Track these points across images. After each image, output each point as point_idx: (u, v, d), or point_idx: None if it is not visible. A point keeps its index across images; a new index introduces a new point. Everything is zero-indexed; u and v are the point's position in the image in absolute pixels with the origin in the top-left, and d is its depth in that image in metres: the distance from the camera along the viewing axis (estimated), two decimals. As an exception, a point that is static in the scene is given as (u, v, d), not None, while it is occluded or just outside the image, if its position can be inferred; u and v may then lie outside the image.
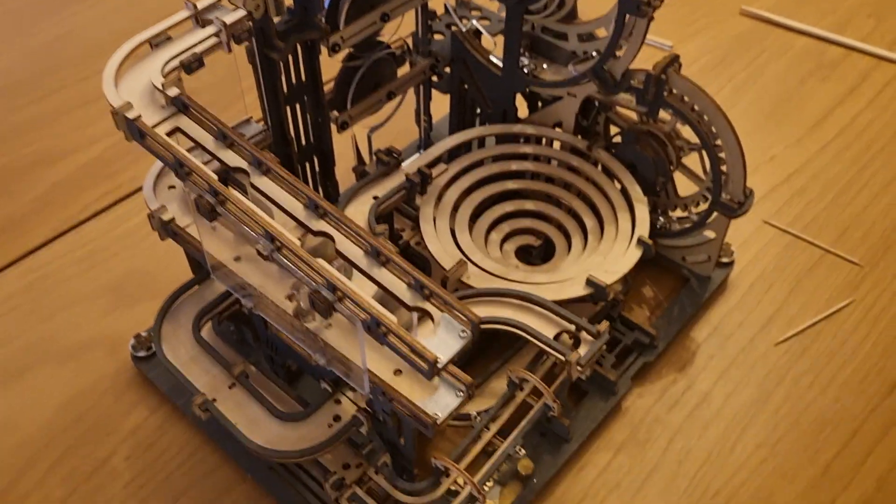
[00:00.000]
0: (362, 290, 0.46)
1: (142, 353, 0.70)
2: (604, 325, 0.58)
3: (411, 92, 0.80)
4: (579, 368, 0.56)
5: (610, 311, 0.71)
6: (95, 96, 0.64)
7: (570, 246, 0.70)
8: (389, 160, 0.68)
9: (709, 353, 0.73)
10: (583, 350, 0.57)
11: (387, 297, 0.49)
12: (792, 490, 0.65)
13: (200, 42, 0.57)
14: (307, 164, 0.74)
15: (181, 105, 0.54)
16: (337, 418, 0.56)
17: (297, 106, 0.70)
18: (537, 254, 0.72)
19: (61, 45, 1.04)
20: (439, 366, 0.43)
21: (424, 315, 0.46)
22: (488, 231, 0.71)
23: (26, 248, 0.82)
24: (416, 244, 0.69)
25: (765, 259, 0.80)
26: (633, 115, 0.72)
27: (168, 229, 0.59)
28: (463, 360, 0.68)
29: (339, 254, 0.49)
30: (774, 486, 0.65)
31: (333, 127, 0.72)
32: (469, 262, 0.65)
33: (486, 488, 0.63)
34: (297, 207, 0.50)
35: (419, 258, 0.69)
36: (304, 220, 0.50)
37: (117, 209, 0.85)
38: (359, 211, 0.65)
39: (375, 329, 0.45)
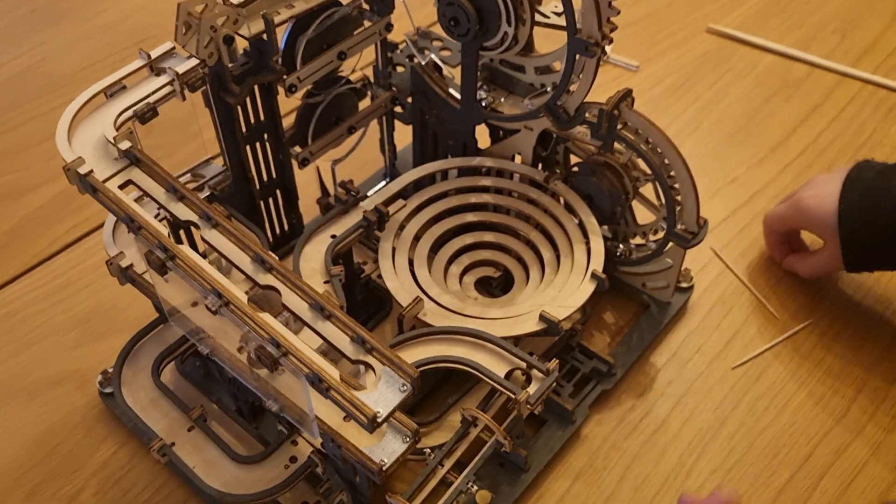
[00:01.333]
0: (306, 344, 0.47)
1: (108, 390, 0.71)
2: (553, 364, 0.59)
3: (375, 122, 0.81)
4: (529, 406, 0.57)
5: (568, 340, 0.72)
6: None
7: (528, 278, 0.71)
8: (348, 198, 0.69)
9: (667, 378, 0.75)
10: (533, 388, 0.58)
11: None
12: (746, 515, 0.67)
13: (154, 92, 0.59)
14: (270, 200, 0.76)
15: (133, 158, 0.55)
16: (293, 459, 0.57)
17: (258, 144, 0.71)
18: (497, 285, 0.74)
19: (28, 76, 1.05)
20: (379, 420, 0.45)
21: (368, 368, 0.48)
22: (448, 263, 0.72)
23: (-2, 283, 0.83)
24: (378, 277, 0.70)
25: (723, 283, 0.82)
26: (591, 147, 0.74)
27: (126, 275, 0.60)
28: (417, 397, 0.70)
29: (286, 307, 0.50)
30: (729, 511, 0.67)
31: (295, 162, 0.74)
32: (427, 298, 0.67)
33: (444, 520, 0.64)
34: (244, 261, 0.51)
35: (382, 290, 0.71)
36: (252, 275, 0.51)
37: (86, 242, 0.86)
38: (316, 250, 0.66)
39: (318, 384, 0.46)
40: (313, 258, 0.65)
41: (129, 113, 0.58)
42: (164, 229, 0.51)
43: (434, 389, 0.70)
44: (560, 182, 0.73)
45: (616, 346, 0.75)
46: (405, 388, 0.46)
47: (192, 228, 0.53)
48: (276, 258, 0.51)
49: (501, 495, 0.66)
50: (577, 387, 0.72)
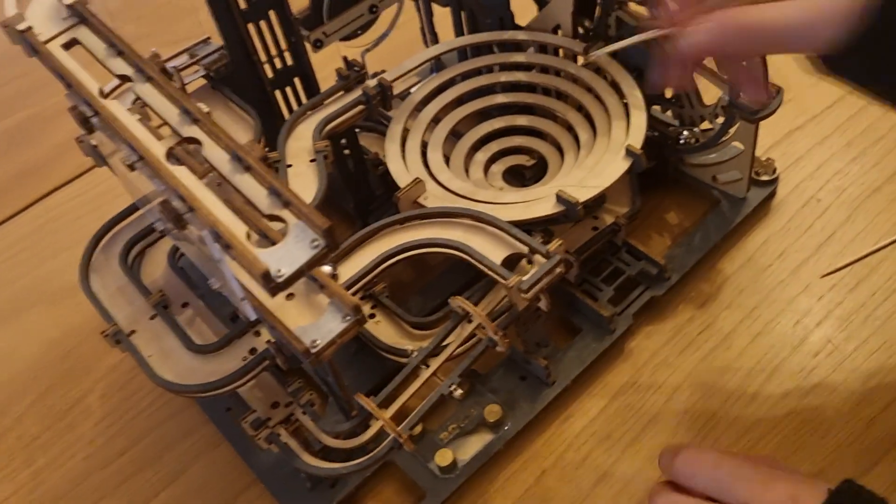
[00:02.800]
0: (219, 200, 0.40)
1: (120, 291, 0.68)
2: (555, 245, 0.49)
3: (412, 5, 0.73)
4: (523, 294, 0.48)
5: (612, 237, 0.61)
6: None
7: (563, 164, 0.61)
8: (350, 74, 0.61)
9: (738, 286, 0.62)
10: (527, 274, 0.48)
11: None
12: (823, 447, 0.54)
13: (115, -52, 0.53)
14: (288, 91, 0.69)
15: (79, 16, 0.50)
16: (253, 351, 0.51)
17: (263, 24, 0.64)
18: (531, 175, 0.63)
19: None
20: (277, 279, 0.37)
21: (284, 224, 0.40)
22: (473, 150, 0.63)
23: (42, 192, 0.82)
24: (389, 163, 0.62)
25: (821, 177, 0.67)
26: (644, 11, 0.62)
27: (97, 153, 0.56)
28: (438, 299, 0.61)
29: (207, 162, 0.43)
30: (802, 441, 0.54)
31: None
32: (434, 182, 0.58)
33: (446, 435, 0.56)
34: (172, 114, 0.45)
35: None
36: (177, 127, 0.44)
37: (126, 149, 0.83)
38: (309, 129, 0.59)
39: (219, 241, 0.39)
40: (304, 137, 0.58)
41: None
42: (94, 86, 0.46)
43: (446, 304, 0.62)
44: (605, 54, 0.62)
45: (672, 247, 0.63)
46: (316, 243, 0.38)
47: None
48: (204, 110, 0.44)
49: (518, 412, 0.57)
50: (620, 292, 0.61)
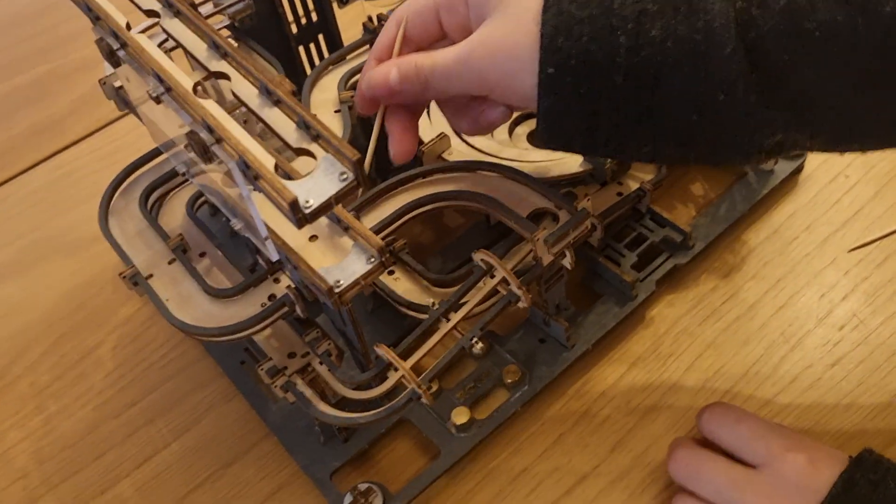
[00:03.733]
0: (245, 132, 0.39)
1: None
2: (584, 201, 0.48)
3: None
4: (547, 248, 0.47)
5: (636, 203, 0.60)
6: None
7: (589, 128, 0.60)
8: (377, 27, 0.60)
9: (763, 258, 0.61)
10: (552, 228, 0.47)
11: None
12: (846, 420, 0.53)
13: None
14: (312, 47, 0.68)
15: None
16: (272, 298, 0.50)
17: (290, -24, 0.64)
18: (555, 139, 0.63)
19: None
20: (306, 209, 0.36)
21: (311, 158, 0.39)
22: (498, 112, 0.62)
23: (59, 147, 0.81)
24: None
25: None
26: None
27: (121, 97, 0.55)
28: (458, 260, 0.61)
29: (235, 95, 0.42)
30: (824, 413, 0.53)
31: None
32: (458, 138, 0.57)
33: (462, 394, 0.55)
34: (201, 49, 0.44)
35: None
36: (205, 62, 0.44)
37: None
38: (333, 81, 0.58)
39: (247, 172, 0.38)
40: (329, 89, 0.57)
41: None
42: (122, 20, 0.45)
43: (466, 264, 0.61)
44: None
45: (697, 217, 0.62)
46: (345, 176, 0.37)
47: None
48: (234, 44, 0.44)
49: (537, 374, 0.56)
50: (643, 259, 0.60)
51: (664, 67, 0.40)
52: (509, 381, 0.55)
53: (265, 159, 0.38)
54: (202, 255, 0.56)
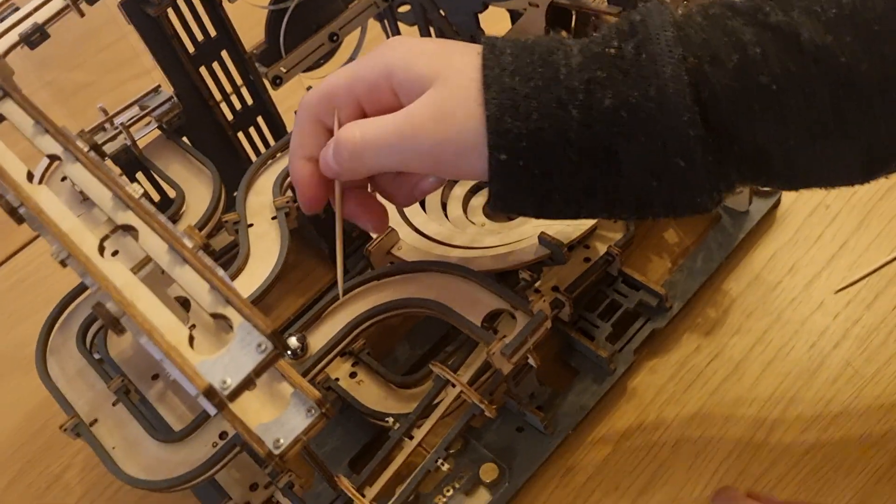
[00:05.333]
0: (156, 297, 0.36)
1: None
2: (539, 304, 0.45)
3: (378, 27, 0.68)
4: (506, 358, 0.44)
5: (606, 268, 0.57)
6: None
7: (547, 193, 0.57)
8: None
9: (746, 309, 0.58)
10: (510, 335, 0.44)
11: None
12: (850, 484, 0.49)
13: (40, 6, 0.49)
14: (252, 131, 0.65)
15: (2, 90, 0.46)
16: (223, 435, 0.47)
17: (216, 65, 0.60)
18: (514, 206, 0.59)
19: None
20: (224, 391, 0.33)
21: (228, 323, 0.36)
22: (451, 185, 0.59)
23: (9, 252, 0.78)
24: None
25: (828, 180, 0.62)
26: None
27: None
28: (426, 345, 0.58)
29: (142, 251, 0.39)
30: (826, 478, 0.50)
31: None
32: (408, 227, 0.54)
33: (441, 499, 0.52)
34: (105, 198, 0.41)
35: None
36: (111, 213, 0.40)
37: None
38: (270, 181, 0.54)
39: (153, 347, 0.35)
40: (265, 191, 0.54)
41: (14, 37, 0.49)
42: (22, 170, 0.42)
43: (435, 349, 0.57)
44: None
45: (674, 272, 0.59)
46: (264, 347, 0.34)
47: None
48: (137, 193, 0.40)
49: (517, 468, 0.53)
50: (618, 327, 0.56)
51: (619, 139, 0.37)
52: (488, 480, 0.52)
53: (176, 334, 0.35)
54: (155, 377, 0.53)
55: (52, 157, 0.44)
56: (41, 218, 0.39)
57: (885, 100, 0.36)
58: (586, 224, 0.51)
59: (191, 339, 0.35)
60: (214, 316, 0.36)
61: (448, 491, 0.53)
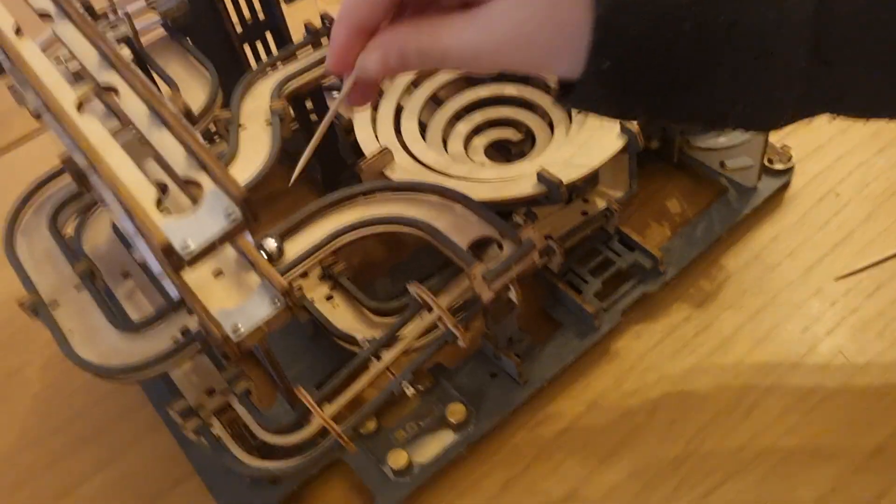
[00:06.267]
0: (128, 156, 0.35)
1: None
2: (529, 232, 0.43)
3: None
4: (486, 283, 0.42)
5: (604, 224, 0.55)
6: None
7: (553, 140, 0.55)
8: (321, 30, 0.55)
9: (742, 286, 0.56)
10: (493, 261, 0.42)
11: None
12: (824, 473, 0.47)
13: None
14: (258, 45, 0.63)
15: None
16: (185, 332, 0.45)
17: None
18: (517, 151, 0.57)
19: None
20: (183, 253, 0.31)
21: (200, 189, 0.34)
22: (455, 120, 0.57)
23: None
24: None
25: (842, 169, 0.61)
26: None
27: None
28: (408, 281, 0.56)
29: (123, 113, 0.37)
30: (801, 464, 0.48)
31: (285, -2, 0.61)
32: (405, 153, 0.52)
33: (403, 434, 0.50)
34: (92, 58, 0.39)
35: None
36: (95, 73, 0.39)
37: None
38: (268, 87, 0.53)
39: (120, 203, 0.33)
40: (263, 96, 0.52)
41: None
42: (9, 22, 0.41)
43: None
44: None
45: (672, 239, 0.57)
46: (233, 215, 0.32)
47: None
48: (124, 55, 0.39)
49: (485, 413, 0.51)
50: (609, 285, 0.54)
51: (725, 57, 0.35)
52: (454, 420, 0.50)
53: (144, 193, 0.33)
54: (126, 275, 0.51)
55: (43, 15, 0.42)
56: (24, 68, 0.38)
57: None
58: (588, 167, 0.49)
59: (158, 202, 0.33)
60: (187, 182, 0.34)
61: (412, 427, 0.51)
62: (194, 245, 0.32)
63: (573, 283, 0.54)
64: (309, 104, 0.58)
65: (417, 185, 0.47)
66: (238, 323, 0.37)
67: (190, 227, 0.32)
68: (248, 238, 0.38)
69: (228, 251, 0.40)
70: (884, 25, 0.34)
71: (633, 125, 0.49)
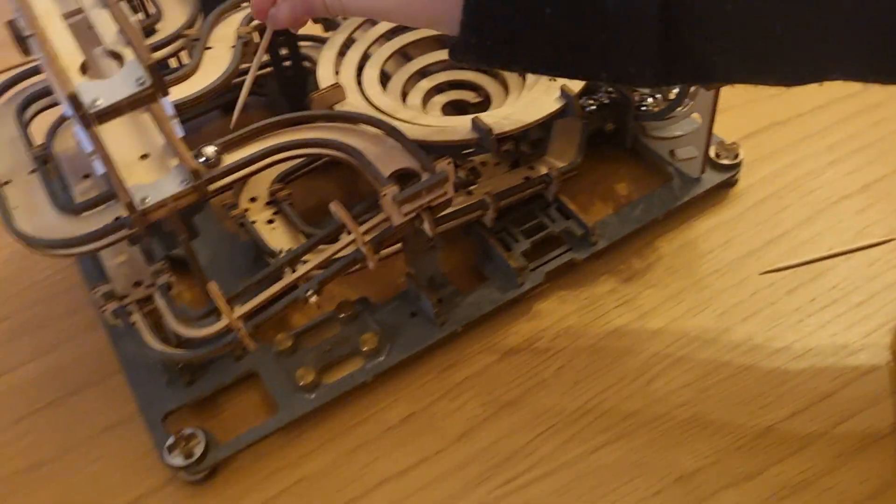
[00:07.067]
0: (64, 31, 0.38)
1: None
2: (443, 163, 0.45)
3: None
4: (397, 205, 0.44)
5: (541, 190, 0.57)
6: None
7: (505, 104, 0.57)
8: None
9: (670, 267, 0.57)
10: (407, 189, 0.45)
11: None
12: (707, 446, 0.49)
13: None
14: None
15: None
16: (118, 219, 0.48)
17: None
18: (473, 113, 0.60)
19: None
20: (85, 105, 0.34)
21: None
22: (420, 76, 0.60)
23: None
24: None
25: (791, 174, 0.62)
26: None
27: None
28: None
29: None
30: (686, 436, 0.49)
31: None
32: (359, 95, 0.55)
33: (316, 355, 0.53)
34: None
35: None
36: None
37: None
38: (240, 18, 0.56)
39: (48, 64, 0.36)
40: (234, 24, 0.55)
41: None
42: None
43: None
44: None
45: (609, 216, 0.59)
46: (142, 81, 0.35)
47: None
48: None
49: (397, 347, 0.53)
50: (539, 248, 0.56)
51: (582, 38, 0.40)
52: (365, 349, 0.52)
53: (69, 57, 0.36)
54: (86, 176, 0.54)
55: None
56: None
57: None
58: (521, 122, 0.51)
59: (84, 67, 0.36)
60: (112, 54, 0.37)
61: (326, 351, 0.53)
62: (103, 102, 0.35)
63: (504, 241, 0.56)
64: (285, 51, 0.61)
65: (354, 115, 0.49)
66: (148, 196, 0.39)
67: (103, 89, 0.35)
68: (169, 111, 0.40)
69: (157, 139, 0.43)
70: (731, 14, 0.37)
71: (572, 89, 0.51)
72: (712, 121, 0.56)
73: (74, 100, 0.34)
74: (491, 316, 0.55)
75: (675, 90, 0.56)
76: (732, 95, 0.65)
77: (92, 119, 0.35)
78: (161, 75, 0.35)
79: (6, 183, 0.50)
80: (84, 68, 0.37)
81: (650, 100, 0.60)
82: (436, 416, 0.52)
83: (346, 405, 0.52)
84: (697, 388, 0.51)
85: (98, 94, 0.35)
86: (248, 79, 0.47)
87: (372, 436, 0.51)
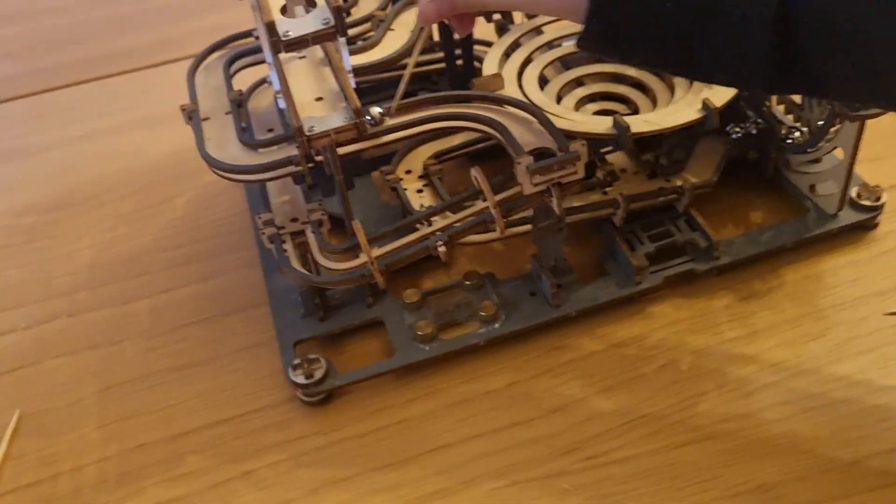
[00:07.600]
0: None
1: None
2: (577, 144, 0.49)
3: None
4: (529, 175, 0.49)
5: (674, 201, 0.60)
6: None
7: (652, 117, 0.61)
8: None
9: (791, 293, 0.58)
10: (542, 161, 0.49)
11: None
12: (796, 462, 0.49)
13: None
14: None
15: None
16: (290, 157, 0.55)
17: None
18: (621, 123, 0.63)
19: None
20: (284, 38, 0.41)
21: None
22: (576, 84, 0.64)
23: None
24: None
25: (938, 224, 0.61)
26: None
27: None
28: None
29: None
30: (777, 449, 0.50)
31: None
32: (518, 89, 0.60)
33: (439, 312, 0.57)
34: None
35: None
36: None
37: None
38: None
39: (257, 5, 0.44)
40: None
41: None
42: None
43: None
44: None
45: (738, 236, 0.60)
46: (328, 20, 0.42)
47: None
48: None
49: (512, 319, 0.57)
50: (661, 253, 0.59)
51: (699, 36, 0.41)
52: (483, 314, 0.56)
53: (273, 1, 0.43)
54: (270, 130, 0.62)
55: None
56: None
57: None
58: (658, 125, 0.54)
59: (283, 8, 0.43)
60: (308, 2, 0.44)
61: (449, 311, 0.58)
62: (293, 34, 0.42)
63: (630, 241, 0.59)
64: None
65: (507, 98, 0.54)
66: (315, 126, 0.46)
67: (295, 24, 0.42)
68: (347, 66, 0.47)
69: (333, 86, 0.50)
70: (846, 22, 0.38)
71: (713, 103, 0.54)
72: (854, 156, 0.57)
73: (271, 27, 0.41)
74: (605, 308, 0.58)
75: (820, 122, 0.58)
76: (890, 145, 0.66)
77: (282, 46, 0.42)
78: (343, 18, 0.42)
79: (206, 119, 0.59)
80: (283, 10, 0.44)
81: (797, 133, 0.61)
82: (536, 388, 0.55)
83: (456, 364, 0.57)
84: (796, 409, 0.52)
85: (290, 27, 0.42)
86: (408, 69, 0.52)
87: (474, 395, 0.55)
